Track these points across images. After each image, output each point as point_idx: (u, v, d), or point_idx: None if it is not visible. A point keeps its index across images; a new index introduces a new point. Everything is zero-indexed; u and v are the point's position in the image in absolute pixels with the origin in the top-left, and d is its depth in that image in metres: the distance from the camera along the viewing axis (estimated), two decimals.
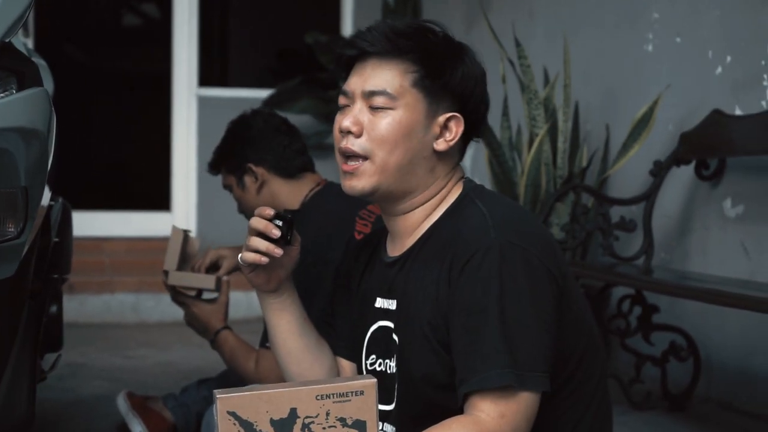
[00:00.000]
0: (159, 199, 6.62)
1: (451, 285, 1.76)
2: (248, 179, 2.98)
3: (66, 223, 2.74)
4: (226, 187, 3.07)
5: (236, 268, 3.14)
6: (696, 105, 3.92)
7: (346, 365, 2.07)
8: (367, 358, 1.96)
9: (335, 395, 1.62)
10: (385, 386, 1.89)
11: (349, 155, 1.84)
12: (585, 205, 4.01)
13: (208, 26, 6.89)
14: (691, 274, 3.71)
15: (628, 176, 4.26)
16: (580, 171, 4.19)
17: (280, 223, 1.86)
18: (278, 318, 2.01)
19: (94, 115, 7.72)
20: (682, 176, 3.99)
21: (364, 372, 1.98)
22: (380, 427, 1.86)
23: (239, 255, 1.91)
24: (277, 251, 1.86)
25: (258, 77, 7.46)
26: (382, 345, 1.93)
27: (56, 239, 2.55)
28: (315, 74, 6.32)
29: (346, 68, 1.91)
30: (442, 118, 1.86)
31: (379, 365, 1.93)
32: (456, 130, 1.86)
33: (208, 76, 6.79)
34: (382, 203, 1.91)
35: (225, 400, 1.60)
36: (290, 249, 1.92)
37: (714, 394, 3.82)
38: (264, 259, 1.87)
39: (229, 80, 7.75)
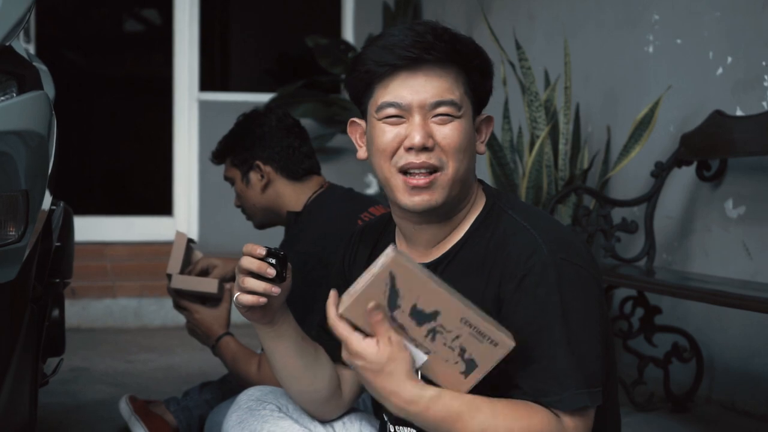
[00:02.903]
0: (161, 203, 6.62)
1: (501, 303, 1.75)
2: (254, 176, 2.98)
3: (67, 227, 2.74)
4: (228, 179, 3.07)
5: (226, 278, 3.14)
6: (697, 106, 3.92)
7: (347, 373, 2.04)
8: None
9: (476, 329, 1.64)
10: None
11: (424, 170, 1.77)
12: (586, 207, 4.01)
13: (208, 31, 6.89)
14: (693, 275, 3.71)
15: (629, 178, 4.26)
16: (581, 173, 4.19)
17: (273, 261, 1.82)
18: (276, 345, 1.97)
19: (95, 120, 7.72)
20: (684, 177, 3.99)
21: None
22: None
23: (234, 296, 1.85)
24: (275, 290, 1.82)
25: (259, 81, 7.47)
26: None
27: (58, 243, 2.54)
28: (316, 78, 6.33)
29: (369, 80, 1.82)
30: (478, 121, 1.86)
31: None
32: (486, 131, 1.87)
33: (209, 80, 6.79)
34: (432, 215, 1.85)
35: (397, 259, 1.61)
36: (284, 282, 1.87)
37: (716, 395, 3.82)
38: (263, 300, 1.83)
39: (230, 84, 7.75)
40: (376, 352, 1.65)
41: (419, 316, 1.64)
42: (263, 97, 6.17)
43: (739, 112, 3.72)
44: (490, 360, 1.65)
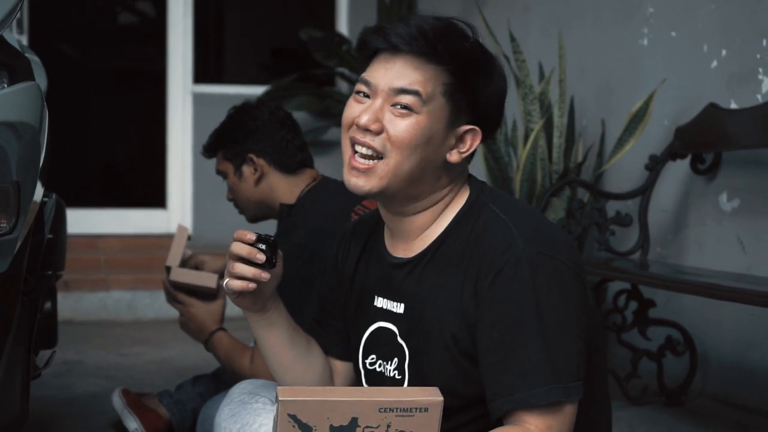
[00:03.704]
0: (154, 196, 6.61)
1: (479, 297, 1.74)
2: (247, 169, 2.97)
3: (60, 219, 2.73)
4: (220, 173, 3.06)
5: (218, 271, 3.14)
6: (691, 99, 3.92)
7: (339, 366, 2.05)
8: (365, 357, 1.94)
9: (399, 409, 1.59)
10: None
11: (365, 151, 1.78)
12: (581, 200, 4.00)
13: (203, 23, 6.87)
14: (687, 269, 3.71)
15: (623, 171, 4.26)
16: (575, 166, 4.19)
17: (263, 247, 1.81)
18: (267, 334, 1.97)
19: (89, 112, 7.70)
20: (678, 170, 3.98)
21: (362, 371, 1.96)
22: None
23: (225, 282, 1.85)
24: (264, 276, 1.82)
25: (253, 74, 7.45)
26: (382, 346, 1.91)
27: (50, 235, 2.54)
28: (310, 71, 6.31)
29: (368, 56, 1.84)
30: (460, 130, 1.82)
31: (379, 366, 1.91)
32: (471, 143, 1.83)
33: (203, 73, 6.78)
34: (384, 204, 1.87)
35: (287, 403, 1.58)
36: (275, 269, 1.87)
37: (710, 388, 3.82)
38: (252, 286, 1.82)
39: (224, 77, 7.74)
40: None
41: None
42: (257, 90, 6.15)
43: (733, 105, 3.72)
44: (433, 425, 1.60)
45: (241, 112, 3.03)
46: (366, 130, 1.77)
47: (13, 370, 2.04)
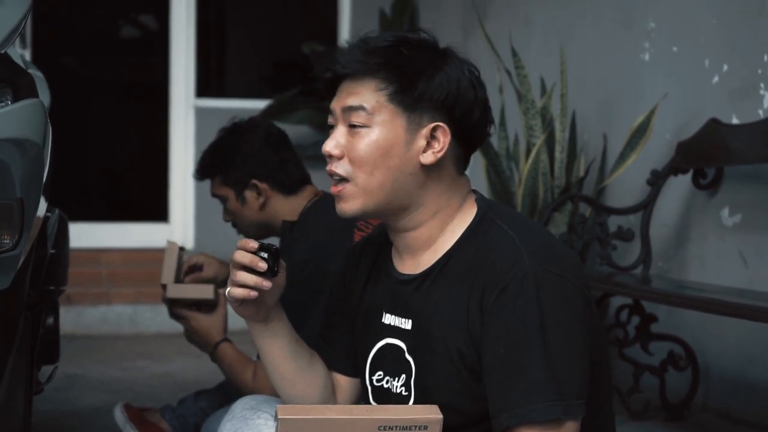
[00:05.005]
0: (156, 210, 6.61)
1: (484, 313, 1.74)
2: (250, 194, 2.93)
3: (62, 235, 2.74)
4: (218, 197, 3.04)
5: (218, 280, 3.14)
6: (693, 114, 3.93)
7: (343, 381, 2.05)
8: (372, 374, 1.94)
9: (398, 428, 1.60)
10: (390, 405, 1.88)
11: (336, 178, 1.84)
12: (582, 215, 4.01)
13: (205, 37, 6.88)
14: (689, 284, 3.71)
15: (625, 185, 4.26)
16: (577, 180, 4.19)
17: (265, 255, 1.83)
18: (269, 345, 1.98)
19: (91, 126, 7.71)
20: (680, 185, 3.99)
21: (368, 387, 1.96)
22: None
23: (227, 290, 1.87)
24: (266, 284, 1.83)
25: (255, 88, 7.46)
26: (390, 363, 1.91)
27: (53, 251, 2.54)
28: (312, 84, 6.32)
29: (332, 90, 1.91)
30: (426, 130, 1.81)
31: (386, 382, 1.91)
32: (443, 140, 1.81)
33: (205, 86, 6.78)
34: (383, 221, 1.89)
35: (286, 422, 1.58)
36: (277, 279, 1.88)
37: (712, 403, 3.82)
38: (253, 294, 1.84)
39: (226, 91, 7.74)
40: None
41: None
42: (259, 104, 6.16)
43: (735, 120, 3.73)
44: None
45: (235, 134, 3.00)
46: (330, 157, 1.84)
47: (16, 384, 2.04)
